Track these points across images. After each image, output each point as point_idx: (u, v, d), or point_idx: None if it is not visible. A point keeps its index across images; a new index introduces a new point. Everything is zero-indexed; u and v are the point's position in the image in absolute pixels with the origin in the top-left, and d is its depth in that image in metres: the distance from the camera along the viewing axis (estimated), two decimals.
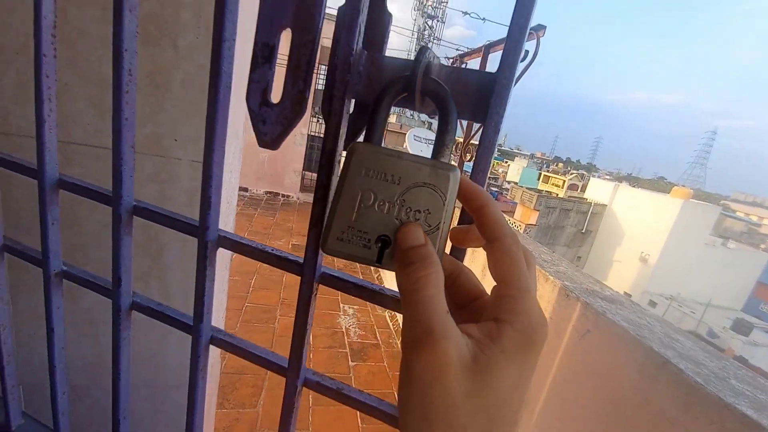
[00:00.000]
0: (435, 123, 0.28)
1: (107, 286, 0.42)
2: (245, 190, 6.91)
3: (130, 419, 0.51)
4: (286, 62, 0.28)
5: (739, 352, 17.43)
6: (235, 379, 2.50)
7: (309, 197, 7.41)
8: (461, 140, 2.37)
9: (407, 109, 0.27)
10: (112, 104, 0.34)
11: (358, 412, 2.43)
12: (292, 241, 4.97)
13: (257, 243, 0.35)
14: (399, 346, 3.34)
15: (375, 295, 0.33)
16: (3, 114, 0.63)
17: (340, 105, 0.28)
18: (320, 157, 0.29)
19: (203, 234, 0.34)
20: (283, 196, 7.17)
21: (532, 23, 0.26)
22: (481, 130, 0.27)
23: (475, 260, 1.95)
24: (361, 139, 0.26)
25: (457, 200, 0.24)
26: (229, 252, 0.49)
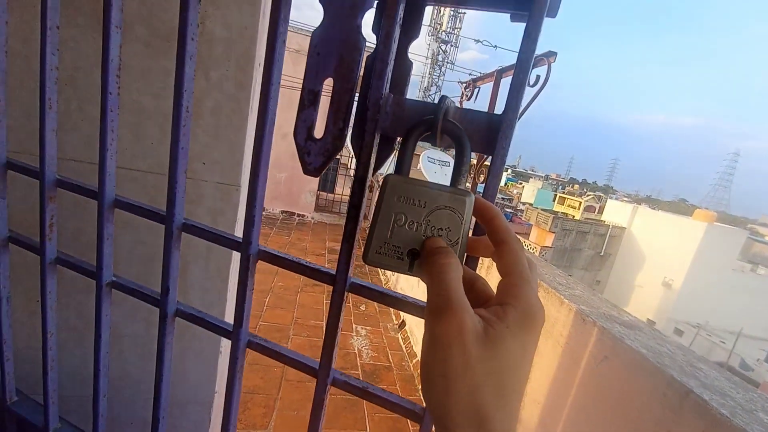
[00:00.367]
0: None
1: (154, 294, 0.46)
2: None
3: None
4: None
5: None
6: (247, 398, 2.49)
7: (323, 217, 7.50)
8: (475, 162, 2.39)
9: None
10: (171, 135, 0.39)
11: None
12: (306, 260, 5.02)
13: (293, 256, 0.39)
14: (411, 369, 3.28)
15: (397, 302, 0.37)
16: None
17: (371, 140, 0.32)
18: (353, 182, 0.34)
19: (246, 248, 0.38)
20: (299, 215, 7.29)
21: (544, 50, 0.29)
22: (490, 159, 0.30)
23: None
24: (391, 170, 0.31)
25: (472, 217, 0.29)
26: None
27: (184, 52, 0.36)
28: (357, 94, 0.33)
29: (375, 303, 4.31)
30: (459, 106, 0.31)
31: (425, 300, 0.28)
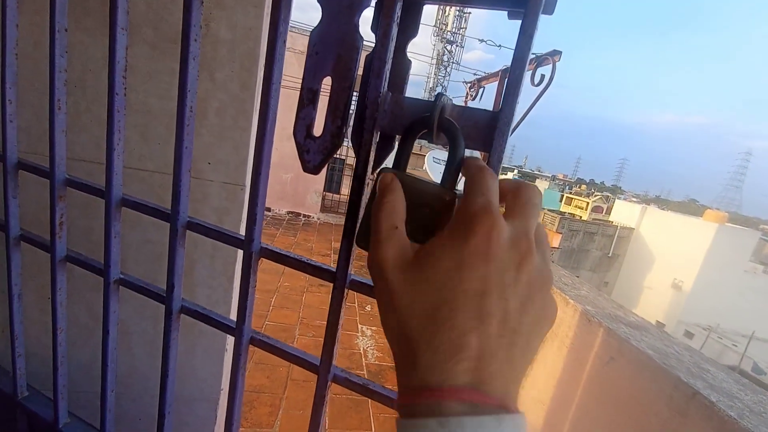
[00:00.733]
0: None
1: (160, 292, 0.47)
2: (268, 209, 7.10)
3: (155, 430, 0.54)
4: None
5: None
6: (254, 397, 2.51)
7: (329, 218, 7.53)
8: None
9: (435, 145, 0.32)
10: (176, 135, 0.39)
11: None
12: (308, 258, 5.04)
13: (294, 254, 0.39)
14: None
15: None
16: None
17: (369, 138, 0.32)
18: (352, 180, 0.34)
19: (249, 246, 0.39)
20: (304, 216, 7.32)
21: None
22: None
23: None
24: (389, 165, 0.32)
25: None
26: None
27: (188, 52, 0.37)
28: (356, 93, 0.33)
29: None
30: (464, 104, 0.31)
31: None
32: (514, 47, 0.28)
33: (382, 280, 0.24)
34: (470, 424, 0.20)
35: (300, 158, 0.33)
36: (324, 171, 7.41)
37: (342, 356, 3.17)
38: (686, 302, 18.66)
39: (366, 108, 0.32)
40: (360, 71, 0.33)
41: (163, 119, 0.70)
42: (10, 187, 0.56)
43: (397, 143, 0.33)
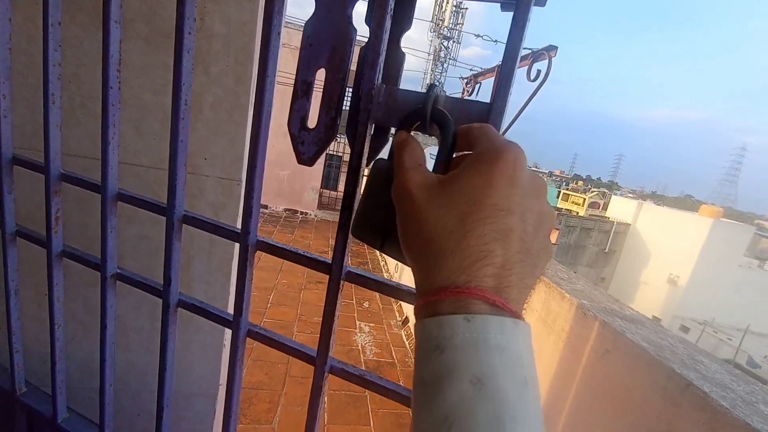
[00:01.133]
0: None
1: (157, 286, 0.47)
2: (265, 207, 7.08)
3: (154, 426, 0.54)
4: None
5: None
6: (252, 394, 2.52)
7: (326, 215, 7.52)
8: None
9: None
10: (171, 129, 0.39)
11: (373, 431, 2.39)
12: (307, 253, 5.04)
13: (290, 246, 0.40)
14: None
15: (393, 290, 0.38)
16: None
17: (364, 129, 0.32)
18: (347, 172, 0.34)
19: (245, 238, 0.39)
20: (302, 213, 7.31)
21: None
22: None
23: None
24: (384, 157, 0.32)
25: None
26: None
27: (182, 46, 0.37)
28: (350, 88, 0.34)
29: (378, 300, 4.31)
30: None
31: None
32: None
33: (409, 199, 0.25)
34: (494, 322, 0.21)
35: (294, 150, 0.33)
36: (321, 168, 7.40)
37: (340, 353, 3.18)
38: (682, 297, 18.81)
39: (360, 100, 0.32)
40: (354, 66, 0.33)
41: (157, 114, 0.70)
42: (5, 182, 0.56)
43: (391, 136, 0.33)
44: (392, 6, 0.30)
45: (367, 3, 0.31)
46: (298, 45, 0.34)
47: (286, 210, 7.25)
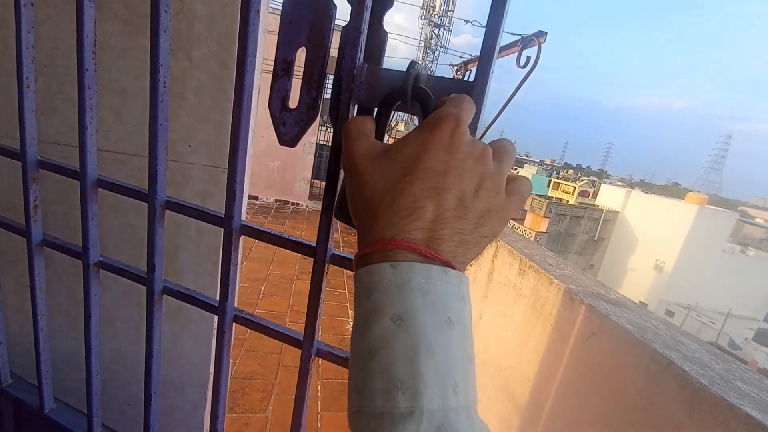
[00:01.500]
0: None
1: (140, 273, 0.46)
2: (255, 198, 7.02)
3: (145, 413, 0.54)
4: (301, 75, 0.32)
5: (764, 364, 16.79)
6: (246, 384, 2.53)
7: (318, 205, 7.48)
8: None
9: (414, 116, 0.32)
10: (149, 111, 0.38)
11: None
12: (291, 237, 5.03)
13: (275, 231, 0.39)
14: None
15: None
16: None
17: (346, 110, 0.32)
18: (330, 154, 0.34)
19: (229, 223, 0.39)
20: (293, 204, 7.27)
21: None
22: None
23: (482, 267, 1.96)
24: None
25: None
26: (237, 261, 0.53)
27: (158, 24, 0.35)
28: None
29: None
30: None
31: None
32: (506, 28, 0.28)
33: (354, 167, 0.27)
34: (419, 269, 0.23)
35: (276, 131, 0.33)
36: (312, 158, 7.33)
37: (333, 342, 3.20)
38: (667, 283, 19.29)
39: (342, 80, 0.32)
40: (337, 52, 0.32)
41: (138, 100, 0.68)
42: None
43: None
44: None
45: None
46: None
47: (276, 201, 7.19)
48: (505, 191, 0.27)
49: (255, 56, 0.34)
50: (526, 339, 1.61)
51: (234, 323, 0.45)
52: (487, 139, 0.30)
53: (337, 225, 0.37)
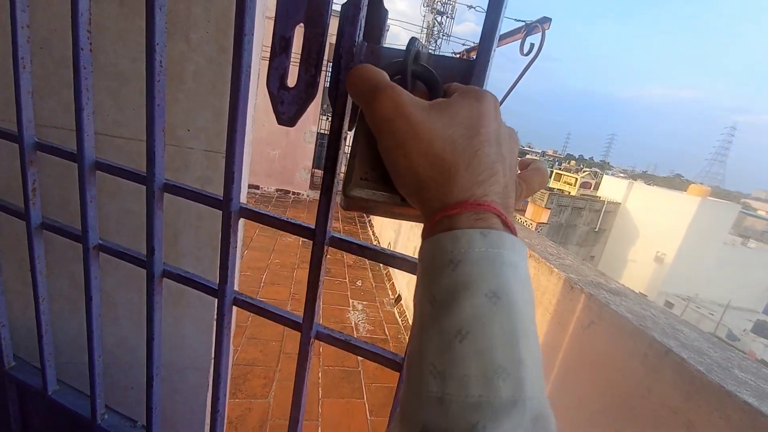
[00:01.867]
0: None
1: (140, 257, 0.46)
2: (256, 187, 7.01)
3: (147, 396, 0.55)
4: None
5: (762, 355, 16.93)
6: (247, 370, 2.56)
7: (318, 194, 7.48)
8: None
9: None
10: (146, 92, 0.38)
11: (366, 404, 2.46)
12: (302, 238, 5.04)
13: (274, 213, 0.39)
14: (407, 341, 3.37)
15: (377, 255, 0.38)
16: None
17: (344, 89, 0.31)
18: (329, 135, 0.33)
19: (227, 205, 0.38)
20: (294, 193, 7.26)
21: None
22: None
23: None
24: None
25: None
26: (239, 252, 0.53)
27: (153, 2, 0.35)
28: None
29: (371, 279, 4.35)
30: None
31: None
32: (506, 16, 0.27)
33: (402, 115, 0.24)
34: (507, 239, 0.22)
35: (274, 110, 0.32)
36: (313, 147, 7.30)
37: (334, 329, 3.23)
38: (668, 274, 19.33)
39: (341, 58, 0.31)
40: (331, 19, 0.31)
41: (136, 83, 0.67)
42: None
43: None
44: None
45: None
46: None
47: (278, 190, 7.18)
48: None
49: (252, 34, 0.34)
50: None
51: (234, 306, 0.46)
52: None
53: (338, 214, 0.37)
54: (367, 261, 4.61)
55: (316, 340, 0.42)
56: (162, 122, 0.40)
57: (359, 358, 2.95)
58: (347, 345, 0.40)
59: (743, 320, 19.41)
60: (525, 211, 19.93)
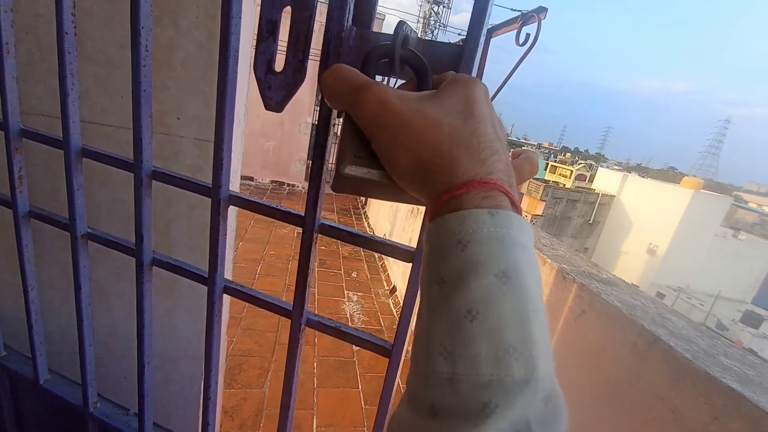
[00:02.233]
0: None
1: (129, 245, 0.46)
2: (251, 179, 6.96)
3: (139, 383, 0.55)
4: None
5: (749, 344, 17.30)
6: (243, 361, 2.58)
7: None
8: None
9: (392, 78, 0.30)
10: (132, 77, 0.37)
11: (361, 394, 2.49)
12: (297, 229, 5.03)
13: (263, 201, 0.39)
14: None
15: (368, 242, 0.38)
16: None
17: None
18: (317, 121, 0.33)
19: (216, 192, 0.38)
20: (289, 185, 7.22)
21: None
22: None
23: None
24: None
25: None
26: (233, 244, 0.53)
27: None
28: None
29: (366, 270, 4.36)
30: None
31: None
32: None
33: (391, 109, 0.23)
34: (515, 219, 0.22)
35: (261, 95, 0.32)
36: (307, 138, 7.25)
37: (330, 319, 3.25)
38: (660, 266, 19.58)
39: (329, 43, 0.31)
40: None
41: (124, 70, 0.66)
42: None
43: None
44: None
45: None
46: None
47: (272, 182, 7.14)
48: None
49: (240, 17, 0.33)
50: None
51: (227, 296, 0.46)
52: None
53: (332, 206, 0.37)
54: (362, 253, 4.62)
55: (310, 330, 0.42)
56: (149, 108, 0.39)
57: (354, 348, 2.97)
58: (338, 332, 0.40)
59: (732, 310, 19.79)
60: (520, 202, 20.00)
